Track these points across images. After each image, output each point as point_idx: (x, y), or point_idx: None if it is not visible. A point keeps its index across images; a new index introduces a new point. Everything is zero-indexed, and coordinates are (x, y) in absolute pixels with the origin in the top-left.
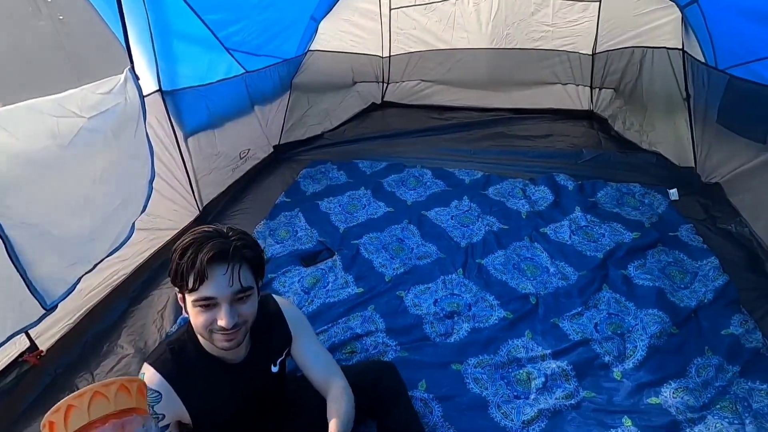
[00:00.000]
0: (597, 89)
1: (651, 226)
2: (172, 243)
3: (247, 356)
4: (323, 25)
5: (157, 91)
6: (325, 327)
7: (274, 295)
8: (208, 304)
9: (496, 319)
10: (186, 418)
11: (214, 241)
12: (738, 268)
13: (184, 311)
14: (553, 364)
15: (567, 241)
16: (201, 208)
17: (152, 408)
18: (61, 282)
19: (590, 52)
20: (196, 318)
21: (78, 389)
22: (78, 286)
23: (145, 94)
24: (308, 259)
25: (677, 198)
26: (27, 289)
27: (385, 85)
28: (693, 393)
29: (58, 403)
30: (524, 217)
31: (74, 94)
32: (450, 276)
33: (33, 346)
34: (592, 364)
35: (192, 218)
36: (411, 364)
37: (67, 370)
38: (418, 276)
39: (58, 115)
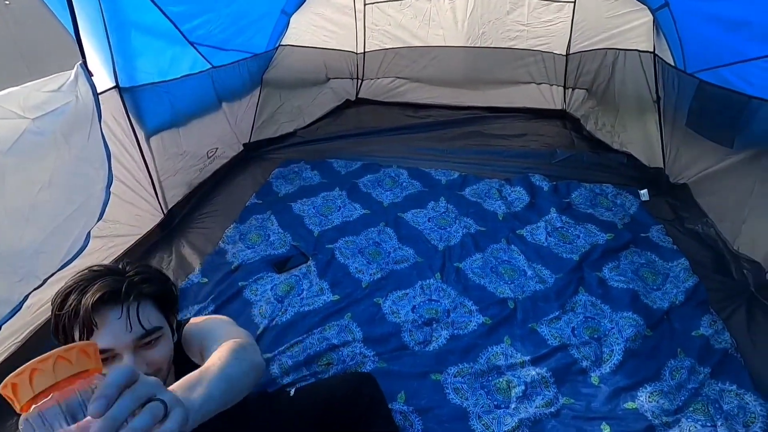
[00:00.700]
0: (570, 89)
1: (624, 227)
2: (133, 250)
3: None
4: (295, 19)
5: (113, 87)
6: (300, 338)
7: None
8: (106, 358)
9: (475, 325)
10: None
11: (103, 281)
12: (705, 268)
13: None
14: (532, 371)
15: (543, 243)
16: (165, 212)
17: None
18: (4, 302)
19: (564, 53)
20: None
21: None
22: (26, 303)
23: (99, 91)
24: (281, 265)
25: (648, 198)
26: None
27: (359, 81)
28: (668, 396)
29: (20, 368)
30: (501, 218)
31: (14, 92)
32: (428, 281)
33: None
34: (570, 369)
35: (156, 222)
36: (389, 375)
37: None
38: (396, 281)
39: None
